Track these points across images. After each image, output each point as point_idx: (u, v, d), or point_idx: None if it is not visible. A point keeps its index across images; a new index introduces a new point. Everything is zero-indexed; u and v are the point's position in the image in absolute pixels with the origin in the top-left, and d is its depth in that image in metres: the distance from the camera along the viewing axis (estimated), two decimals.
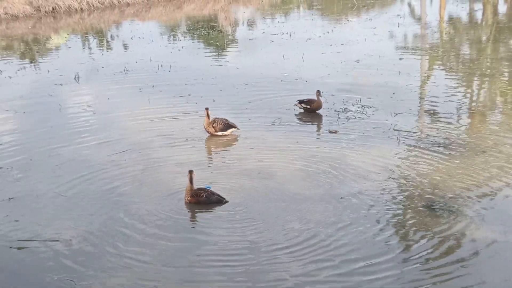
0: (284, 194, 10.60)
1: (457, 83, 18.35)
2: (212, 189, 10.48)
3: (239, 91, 17.90)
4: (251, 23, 33.65)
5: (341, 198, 10.38)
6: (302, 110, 15.51)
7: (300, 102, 15.48)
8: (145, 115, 15.65)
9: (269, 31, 29.63)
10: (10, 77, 20.76)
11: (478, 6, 36.06)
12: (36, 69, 22.50)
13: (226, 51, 25.42)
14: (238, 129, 13.87)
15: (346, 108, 15.63)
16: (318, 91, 15.28)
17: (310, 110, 15.34)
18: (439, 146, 12.66)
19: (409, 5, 38.98)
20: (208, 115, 13.77)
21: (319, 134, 13.94)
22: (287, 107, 15.89)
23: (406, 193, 10.55)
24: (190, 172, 10.37)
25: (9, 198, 10.74)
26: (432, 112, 15.33)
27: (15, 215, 10.09)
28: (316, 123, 14.71)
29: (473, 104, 16.18)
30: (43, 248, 9.03)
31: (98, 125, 14.99)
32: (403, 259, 8.49)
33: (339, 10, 38.17)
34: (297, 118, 15.07)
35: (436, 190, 10.54)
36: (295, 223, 9.54)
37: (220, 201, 10.28)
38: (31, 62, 24.12)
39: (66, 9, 37.89)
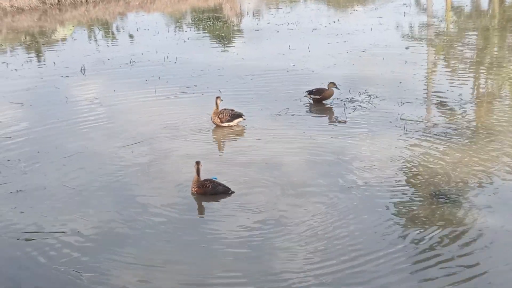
0: (291, 184, 10.59)
1: (464, 71, 18.28)
2: (219, 179, 10.47)
3: (246, 82, 17.88)
4: (256, 14, 33.59)
5: (348, 187, 10.37)
6: (311, 101, 15.47)
7: (310, 92, 15.45)
8: (151, 107, 15.65)
9: (275, 22, 29.57)
10: (16, 70, 20.78)
11: None
12: (42, 62, 22.53)
13: (232, 42, 25.38)
14: (244, 118, 13.85)
15: (352, 98, 15.59)
16: (333, 83, 15.21)
17: (320, 100, 15.29)
18: (446, 135, 12.62)
19: None
20: (217, 104, 13.75)
21: (326, 124, 13.91)
22: (294, 98, 15.86)
23: (413, 182, 10.53)
24: (197, 163, 10.37)
25: (17, 191, 10.75)
26: (439, 101, 15.29)
27: (22, 207, 10.11)
28: (323, 113, 14.68)
29: (480, 92, 16.11)
30: (51, 239, 9.05)
31: (105, 117, 15.00)
32: (409, 248, 8.46)
33: (345, 0, 38.03)
34: (304, 108, 15.04)
35: (443, 179, 10.51)
36: (302, 214, 9.53)
37: (226, 191, 10.28)
38: (37, 54, 24.15)
39: (71, 1, 37.91)
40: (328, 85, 15.23)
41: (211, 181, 10.31)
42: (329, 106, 15.17)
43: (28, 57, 23.48)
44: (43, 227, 9.43)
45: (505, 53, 20.89)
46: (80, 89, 17.98)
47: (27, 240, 9.09)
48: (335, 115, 14.50)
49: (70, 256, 8.60)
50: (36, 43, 26.85)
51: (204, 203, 10.11)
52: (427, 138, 12.54)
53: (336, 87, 15.20)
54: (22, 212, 9.95)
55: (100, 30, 29.77)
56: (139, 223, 9.47)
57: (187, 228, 9.32)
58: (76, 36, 28.41)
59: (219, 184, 10.32)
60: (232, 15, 33.75)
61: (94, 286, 7.88)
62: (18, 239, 9.11)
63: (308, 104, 15.33)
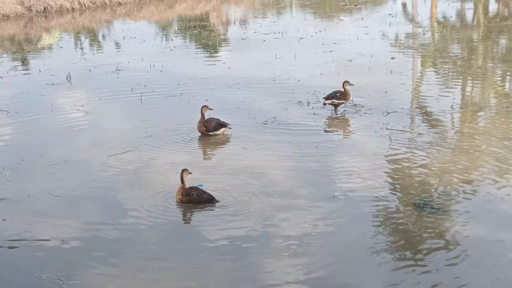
0: (276, 193, 10.60)
1: (449, 82, 18.40)
2: (204, 188, 10.45)
3: (232, 90, 17.89)
4: (243, 23, 33.63)
5: (333, 196, 10.40)
6: (328, 106, 15.35)
7: (332, 97, 15.16)
8: (137, 115, 15.62)
9: (261, 31, 29.62)
10: (1, 77, 20.64)
11: (470, 5, 36.13)
12: (27, 69, 22.43)
13: (218, 51, 25.41)
14: (230, 128, 13.86)
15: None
16: (348, 82, 15.17)
17: (345, 103, 15.27)
18: (430, 145, 12.69)
19: (402, 4, 39.00)
20: (203, 114, 13.74)
21: (311, 133, 13.90)
22: (280, 107, 15.88)
23: (397, 192, 10.58)
24: (183, 171, 10.36)
25: (1, 199, 10.69)
26: (424, 111, 15.39)
27: (6, 215, 10.06)
28: (309, 123, 14.67)
29: (465, 102, 16.22)
30: (34, 247, 9.01)
31: (90, 125, 14.96)
32: (392, 259, 8.50)
33: (331, 9, 38.19)
34: (290, 118, 15.02)
35: (427, 189, 10.57)
36: (288, 223, 9.54)
37: (211, 200, 10.26)
38: (23, 62, 24.02)
39: (57, 8, 37.75)
40: (343, 84, 15.12)
41: (196, 189, 10.29)
42: (315, 115, 15.17)
43: (14, 64, 23.35)
44: (26, 235, 9.38)
45: (489, 63, 21.06)
46: (65, 97, 17.93)
47: (10, 247, 9.04)
48: (321, 124, 14.53)
49: (53, 264, 8.57)
50: (22, 50, 26.74)
51: (189, 212, 10.10)
52: (412, 148, 12.61)
53: (350, 84, 15.22)
54: (4, 220, 9.90)
55: (86, 38, 29.69)
56: (124, 232, 9.45)
57: (172, 236, 9.32)
58: (62, 44, 28.32)
59: (204, 192, 10.30)
60: (219, 24, 33.78)
61: None
62: (1, 247, 9.06)
63: (293, 113, 15.29)
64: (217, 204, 10.23)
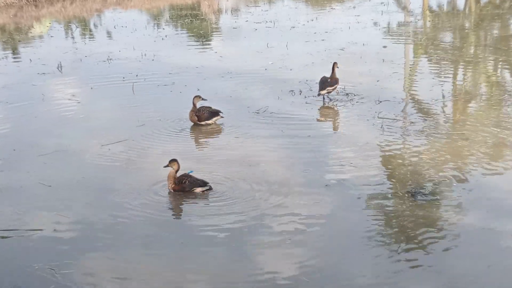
0: (269, 182, 10.58)
1: (441, 70, 18.42)
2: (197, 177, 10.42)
3: (224, 79, 17.86)
4: (234, 11, 33.56)
5: (326, 185, 10.40)
6: (326, 94, 15.19)
7: (326, 86, 14.98)
8: (129, 105, 15.57)
9: (253, 20, 29.56)
10: None
11: None
12: (18, 59, 22.31)
13: (210, 40, 25.35)
14: (222, 116, 13.84)
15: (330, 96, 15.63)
16: (336, 63, 15.20)
17: (336, 87, 15.18)
18: (422, 133, 12.72)
19: None
20: (194, 104, 13.71)
21: (303, 123, 13.90)
22: (273, 96, 15.87)
23: (391, 180, 10.59)
24: (170, 161, 10.33)
25: None
26: (416, 99, 15.41)
27: None
28: (301, 112, 14.66)
29: (457, 91, 16.24)
30: (27, 237, 8.98)
31: (82, 115, 14.91)
32: (386, 247, 8.52)
33: None
34: (282, 107, 15.01)
35: (420, 177, 10.59)
36: (281, 212, 9.54)
37: (204, 185, 10.22)
38: (13, 51, 23.91)
39: None
40: (333, 66, 15.16)
41: (188, 176, 10.26)
42: (308, 104, 15.17)
43: (4, 54, 23.25)
44: (19, 224, 9.35)
45: (481, 51, 21.08)
46: (57, 86, 17.85)
47: (2, 237, 9.01)
48: (313, 113, 14.53)
49: (46, 253, 8.55)
50: (12, 39, 26.60)
51: (182, 202, 10.09)
52: (404, 136, 12.63)
53: (337, 67, 15.23)
54: None
55: (77, 27, 29.54)
56: (117, 221, 9.43)
57: (165, 226, 9.31)
58: (52, 33, 28.16)
59: (197, 179, 10.27)
60: (210, 13, 33.68)
61: (69, 284, 7.83)
62: None
63: (285, 103, 15.28)
64: (210, 193, 10.21)
